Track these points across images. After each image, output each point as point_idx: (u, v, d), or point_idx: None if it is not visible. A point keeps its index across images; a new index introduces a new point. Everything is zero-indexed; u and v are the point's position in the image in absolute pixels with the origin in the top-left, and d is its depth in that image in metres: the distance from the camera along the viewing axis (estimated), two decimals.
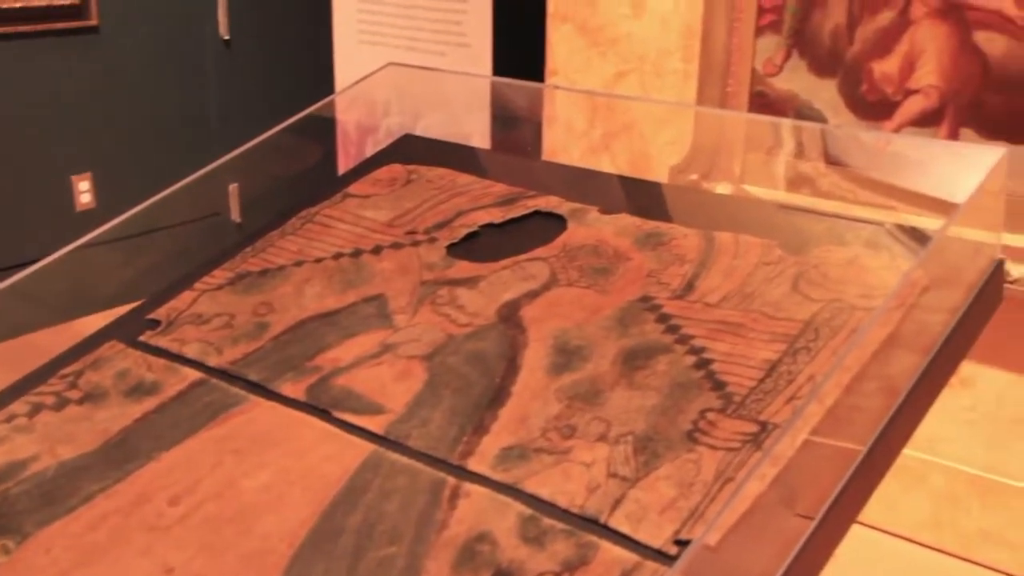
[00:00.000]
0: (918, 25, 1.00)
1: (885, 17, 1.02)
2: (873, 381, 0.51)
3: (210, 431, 0.56)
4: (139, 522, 0.51)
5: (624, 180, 0.77)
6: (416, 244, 0.68)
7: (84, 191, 3.17)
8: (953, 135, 0.98)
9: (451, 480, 0.50)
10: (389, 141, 0.82)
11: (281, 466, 0.53)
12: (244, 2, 3.40)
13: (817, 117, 1.07)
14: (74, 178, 3.15)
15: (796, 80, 1.09)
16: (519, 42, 1.66)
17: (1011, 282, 0.91)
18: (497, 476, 0.50)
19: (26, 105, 3.00)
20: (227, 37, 3.39)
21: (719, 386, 0.52)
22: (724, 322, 0.56)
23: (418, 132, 0.82)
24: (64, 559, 0.50)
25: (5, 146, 2.97)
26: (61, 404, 0.59)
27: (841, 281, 0.58)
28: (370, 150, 0.81)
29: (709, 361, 0.54)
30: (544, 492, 0.49)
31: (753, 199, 1.06)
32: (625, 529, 0.46)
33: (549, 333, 0.58)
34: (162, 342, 0.63)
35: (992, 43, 0.95)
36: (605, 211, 0.68)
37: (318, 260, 0.68)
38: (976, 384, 0.97)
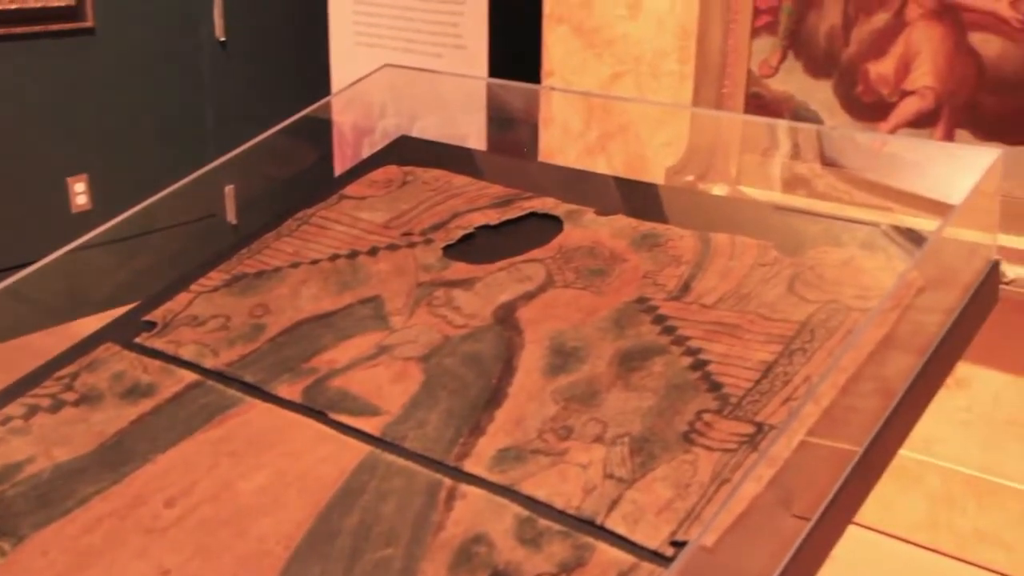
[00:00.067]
0: (913, 26, 1.00)
1: (880, 19, 1.02)
2: (869, 382, 0.51)
3: (206, 433, 0.56)
4: (135, 524, 0.51)
5: (620, 181, 0.77)
6: (412, 246, 0.68)
7: (80, 193, 3.17)
8: (949, 136, 0.99)
9: (447, 482, 0.50)
10: (385, 143, 0.82)
11: (277, 468, 0.53)
12: (240, 3, 3.40)
13: (813, 118, 1.08)
14: (70, 180, 3.15)
15: (792, 81, 1.09)
16: (515, 43, 1.66)
17: (1007, 283, 0.91)
18: (493, 477, 0.50)
19: (22, 107, 2.99)
20: (223, 39, 3.39)
21: (715, 387, 0.52)
22: (720, 323, 0.56)
23: (414, 133, 0.82)
24: (60, 561, 0.49)
25: (0, 148, 2.97)
26: (57, 406, 0.59)
27: (837, 282, 0.58)
28: (366, 152, 0.81)
29: (705, 362, 0.54)
30: (541, 493, 0.49)
31: (749, 200, 1.06)
32: (622, 530, 0.46)
33: (545, 334, 0.58)
34: (158, 344, 0.63)
35: (987, 44, 0.95)
36: (601, 212, 0.68)
37: (314, 262, 0.68)
38: (972, 385, 0.97)
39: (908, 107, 1.01)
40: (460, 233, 0.68)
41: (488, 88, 0.95)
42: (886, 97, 1.02)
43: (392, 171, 0.77)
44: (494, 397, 0.55)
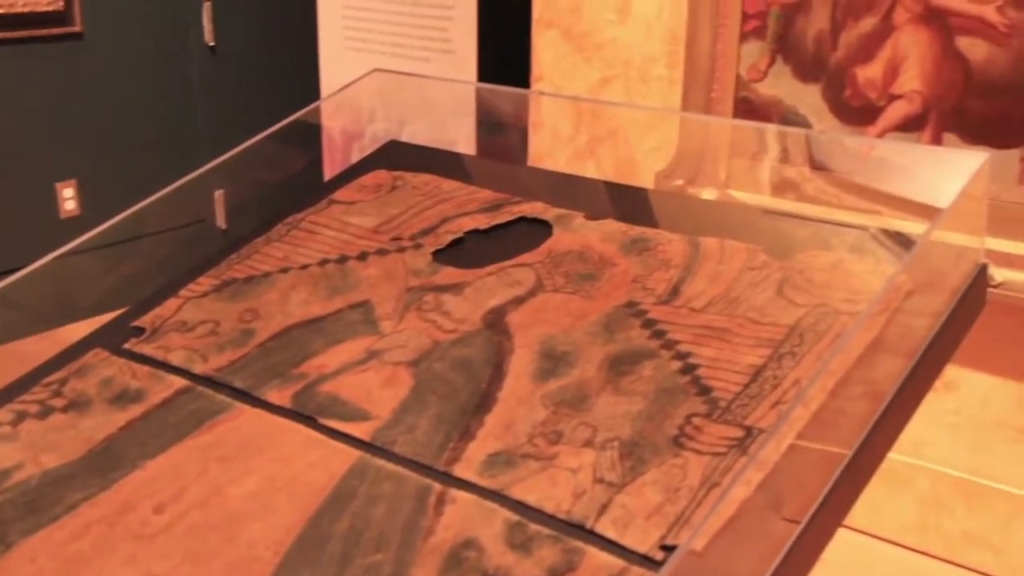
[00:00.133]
0: (901, 31, 1.00)
1: (868, 23, 1.02)
2: (858, 385, 0.51)
3: (195, 439, 0.56)
4: (124, 531, 0.51)
5: (609, 186, 0.77)
6: (402, 250, 0.68)
7: (68, 198, 3.16)
8: (936, 140, 0.99)
9: (437, 486, 0.50)
10: (375, 147, 0.82)
11: (267, 473, 0.53)
12: (229, 8, 3.40)
13: (801, 122, 1.08)
14: (58, 185, 3.14)
15: (780, 85, 1.09)
16: (504, 48, 1.67)
17: (994, 286, 0.91)
18: (483, 482, 0.50)
19: (9, 111, 2.98)
20: (212, 43, 3.38)
21: (705, 391, 0.52)
22: (709, 327, 0.57)
23: (403, 138, 0.82)
24: (48, 568, 0.49)
25: None
26: (45, 412, 0.59)
27: (826, 286, 0.58)
28: (356, 156, 0.81)
29: (695, 366, 0.54)
30: (530, 498, 0.49)
31: (738, 204, 1.06)
32: (611, 535, 0.46)
33: (535, 339, 0.58)
34: (147, 349, 0.63)
35: (974, 49, 0.96)
36: (591, 217, 0.68)
37: (304, 267, 0.68)
38: (960, 388, 0.98)
39: (896, 111, 1.01)
40: (450, 238, 0.68)
41: (477, 92, 0.95)
42: (874, 101, 1.03)
43: (381, 176, 0.77)
44: (484, 402, 0.55)
